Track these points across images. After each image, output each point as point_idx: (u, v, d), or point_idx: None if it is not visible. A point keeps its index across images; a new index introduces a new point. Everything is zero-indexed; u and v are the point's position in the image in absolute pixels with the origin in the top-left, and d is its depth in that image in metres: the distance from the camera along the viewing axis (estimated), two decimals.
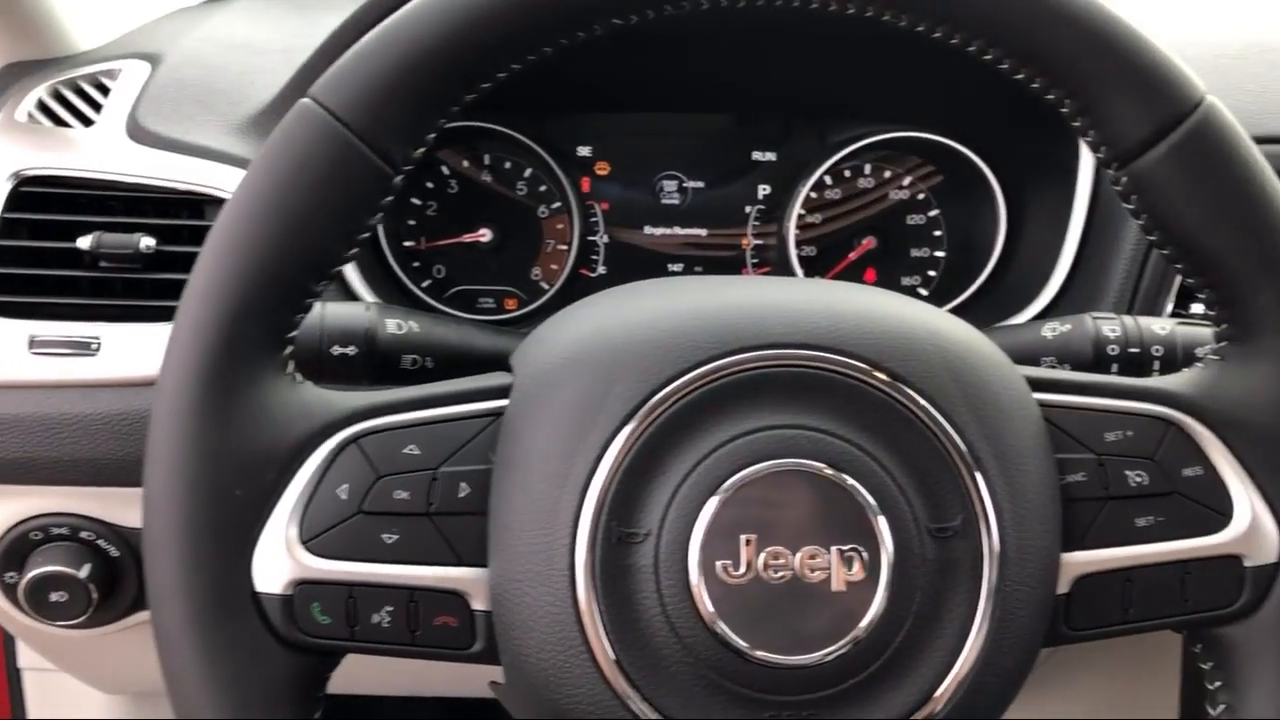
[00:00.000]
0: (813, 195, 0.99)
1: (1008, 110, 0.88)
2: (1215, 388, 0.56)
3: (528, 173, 0.98)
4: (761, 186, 1.01)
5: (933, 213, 1.00)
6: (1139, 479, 0.55)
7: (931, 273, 1.00)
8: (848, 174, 1.00)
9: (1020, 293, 0.89)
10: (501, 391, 0.54)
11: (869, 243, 1.00)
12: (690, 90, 0.99)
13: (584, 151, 1.00)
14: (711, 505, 0.50)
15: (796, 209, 0.98)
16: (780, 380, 0.52)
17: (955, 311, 0.97)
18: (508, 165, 0.98)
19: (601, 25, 0.53)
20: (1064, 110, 0.55)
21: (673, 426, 0.51)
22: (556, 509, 0.50)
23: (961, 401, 0.53)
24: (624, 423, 0.51)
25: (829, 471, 0.51)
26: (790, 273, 0.98)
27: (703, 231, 1.01)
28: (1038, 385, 0.56)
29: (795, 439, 0.51)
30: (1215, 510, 0.55)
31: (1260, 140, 0.77)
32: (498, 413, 0.53)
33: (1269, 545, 0.55)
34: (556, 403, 0.52)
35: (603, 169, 1.00)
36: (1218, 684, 0.57)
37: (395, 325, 0.66)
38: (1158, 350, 0.69)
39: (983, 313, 0.94)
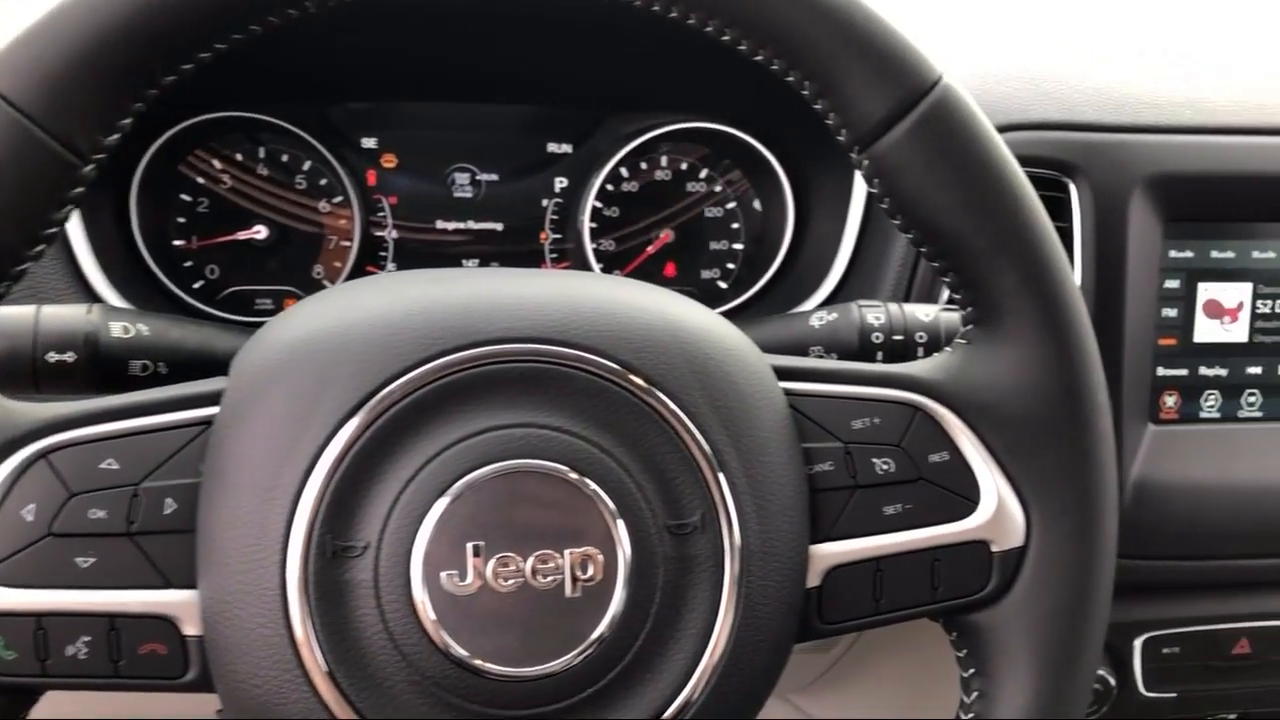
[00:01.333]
0: (609, 188, 0.97)
1: (792, 99, 0.87)
2: (961, 372, 0.56)
3: (307, 165, 0.93)
4: (559, 179, 0.98)
5: (730, 205, 0.99)
6: (886, 466, 0.55)
7: (730, 265, 0.99)
8: (644, 166, 0.98)
9: (808, 282, 0.89)
10: (213, 398, 0.50)
11: (666, 236, 0.98)
12: (483, 80, 0.95)
13: (369, 143, 0.95)
14: (435, 513, 0.47)
15: (590, 202, 0.95)
16: (510, 377, 0.49)
17: (750, 303, 0.97)
18: (285, 158, 0.93)
19: (313, 3, 0.49)
20: (805, 93, 0.54)
21: (392, 430, 0.48)
22: (266, 523, 0.47)
23: (700, 393, 0.51)
24: (338, 427, 0.47)
25: (561, 471, 0.49)
26: (587, 267, 0.96)
27: (498, 226, 0.98)
28: (784, 374, 0.55)
29: (525, 438, 0.49)
30: (962, 496, 0.55)
31: (1021, 127, 0.80)
32: (208, 421, 0.49)
33: (1014, 530, 0.55)
34: (267, 408, 0.48)
35: (390, 161, 0.96)
36: (971, 671, 0.57)
37: (121, 328, 0.61)
38: (921, 337, 0.69)
39: (775, 303, 0.93)
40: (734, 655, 0.50)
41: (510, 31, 0.88)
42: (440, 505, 0.47)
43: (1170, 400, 0.83)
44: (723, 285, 0.99)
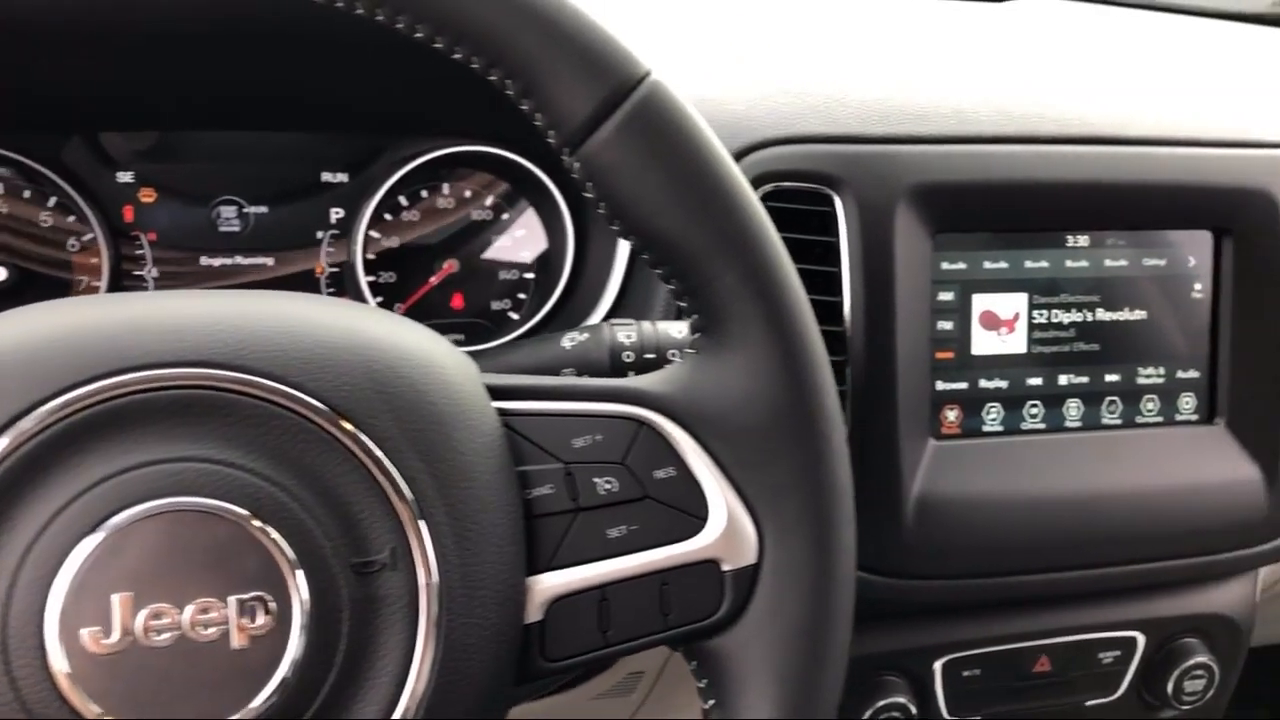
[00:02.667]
0: (387, 217, 0.93)
1: None
2: (687, 383, 0.53)
3: (52, 201, 0.87)
4: (334, 210, 0.93)
5: (519, 233, 0.96)
6: (609, 486, 0.51)
7: (521, 295, 0.96)
8: (425, 195, 0.94)
9: (589, 305, 0.86)
10: None
11: (450, 266, 0.94)
12: (248, 106, 0.91)
13: (125, 177, 0.89)
14: (74, 560, 0.42)
15: (361, 232, 0.91)
16: (159, 406, 0.44)
17: (536, 330, 0.93)
18: (27, 194, 0.86)
19: None
20: (509, 93, 0.50)
21: (22, 473, 0.42)
22: None
23: (389, 416, 0.47)
24: None
25: (224, 509, 0.44)
26: (361, 300, 0.91)
27: (269, 260, 0.92)
28: (499, 393, 0.51)
29: (181, 474, 0.44)
30: (690, 513, 0.52)
31: (785, 141, 0.78)
32: None
33: (746, 547, 0.52)
34: None
35: (149, 195, 0.90)
36: (711, 703, 0.53)
37: None
38: (674, 355, 0.66)
39: (560, 328, 0.90)
40: (437, 700, 0.46)
41: (264, 52, 0.84)
42: (80, 552, 0.42)
43: (951, 414, 0.82)
44: (514, 316, 0.95)
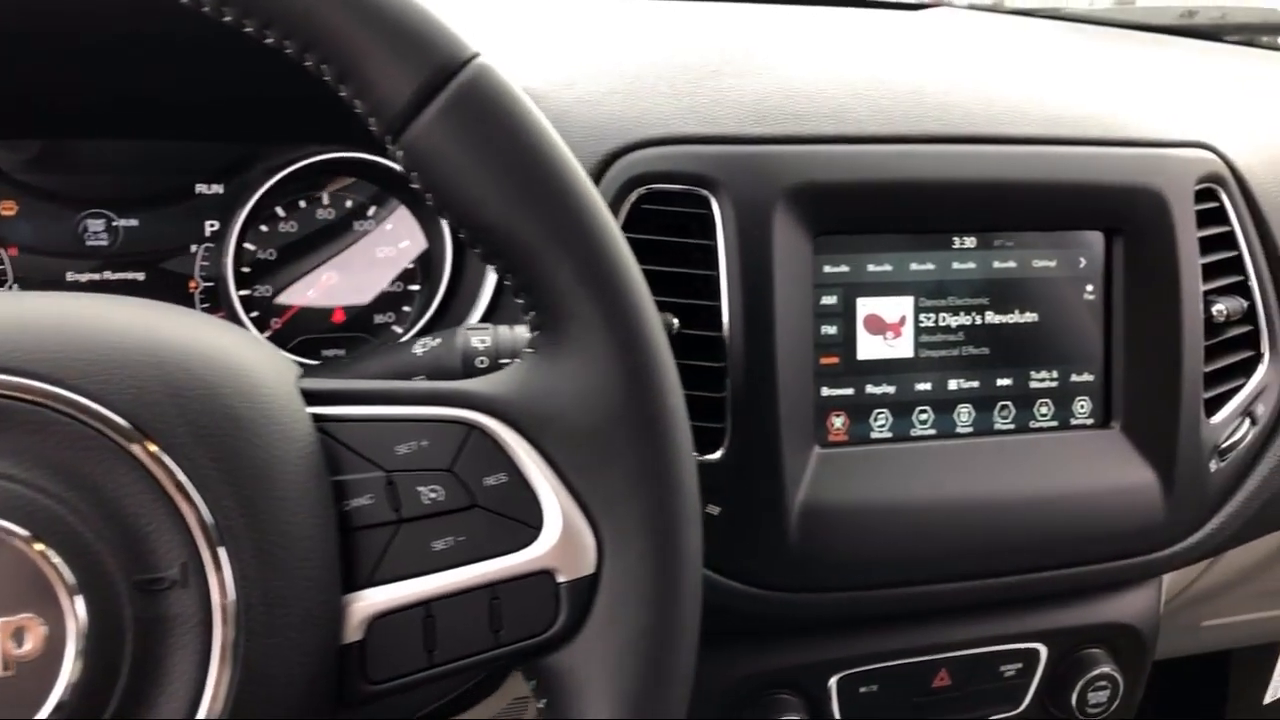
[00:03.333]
0: (264, 229, 0.89)
1: None
2: (522, 384, 0.50)
3: None
4: (209, 223, 0.90)
5: (403, 243, 0.93)
6: (434, 495, 0.48)
7: (406, 308, 0.92)
8: (303, 204, 0.91)
9: (468, 313, 0.83)
10: None
11: (328, 279, 0.91)
12: (117, 114, 0.87)
13: None
14: None
15: (232, 243, 0.87)
16: None
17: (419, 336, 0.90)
18: None
19: None
20: (326, 79, 0.47)
21: None
22: None
23: (180, 421, 0.43)
24: None
25: None
26: (235, 317, 0.88)
27: (139, 275, 0.88)
28: (317, 398, 0.48)
29: None
30: (523, 522, 0.49)
31: (661, 142, 0.76)
32: None
33: (584, 556, 0.49)
34: None
35: (9, 209, 0.86)
36: None
37: None
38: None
39: None
40: None
41: (127, 57, 0.80)
42: None
43: (838, 421, 0.79)
44: (398, 329, 0.92)
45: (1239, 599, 1.10)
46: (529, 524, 0.49)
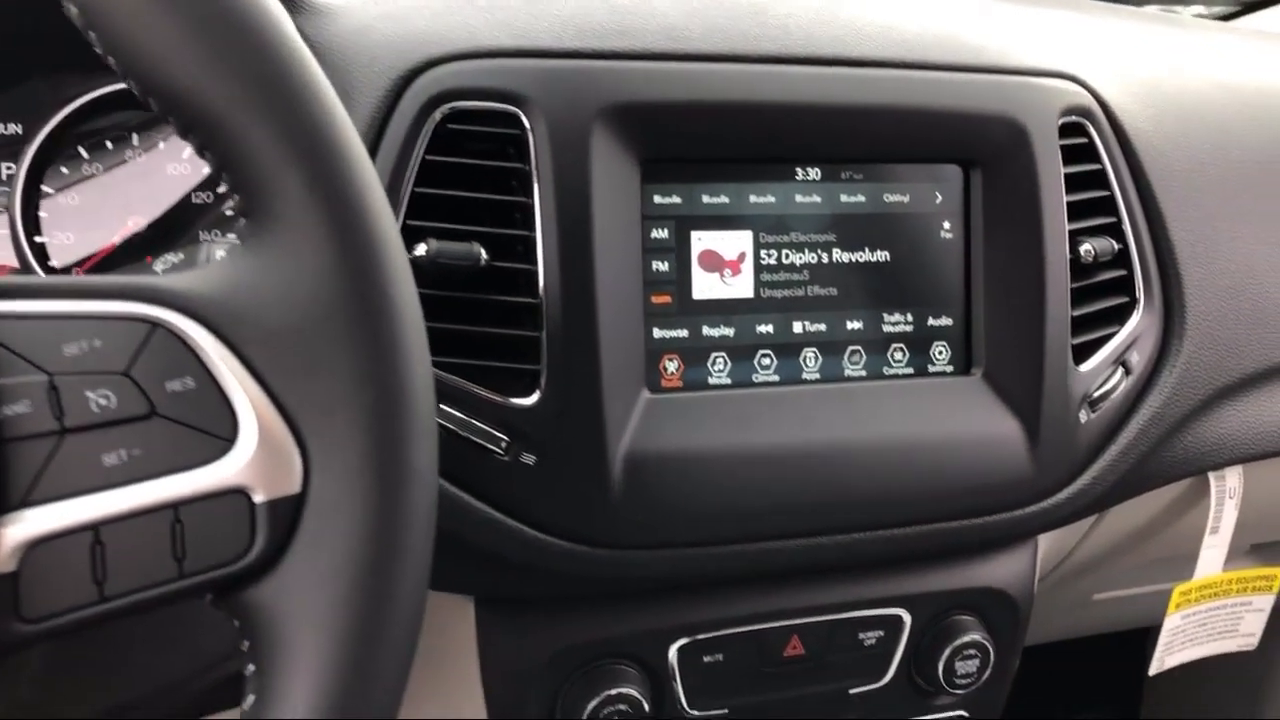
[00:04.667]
0: (64, 171, 0.82)
1: None
2: (221, 278, 0.44)
3: None
4: (5, 166, 0.82)
5: (221, 189, 0.85)
6: (105, 401, 0.41)
7: (220, 254, 0.85)
8: (110, 145, 0.83)
9: None
10: None
11: (136, 223, 0.83)
12: None
13: None
14: None
15: (19, 187, 0.80)
16: None
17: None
18: None
19: None
20: None
21: None
22: None
23: None
24: None
25: None
26: (26, 265, 0.80)
27: None
28: None
29: None
30: (212, 433, 0.42)
31: (469, 55, 0.70)
32: None
33: (287, 473, 0.42)
34: None
35: None
36: (251, 668, 0.43)
37: None
38: None
39: None
40: None
41: None
42: None
43: (671, 366, 0.73)
44: None
45: (1129, 570, 1.05)
46: (220, 436, 0.42)
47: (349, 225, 0.43)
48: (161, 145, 0.84)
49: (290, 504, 0.42)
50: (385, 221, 0.44)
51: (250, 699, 0.42)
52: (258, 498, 0.42)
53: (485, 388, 0.67)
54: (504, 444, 0.67)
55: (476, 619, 0.75)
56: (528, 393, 0.68)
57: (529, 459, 0.68)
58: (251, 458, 0.42)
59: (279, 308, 0.43)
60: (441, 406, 0.67)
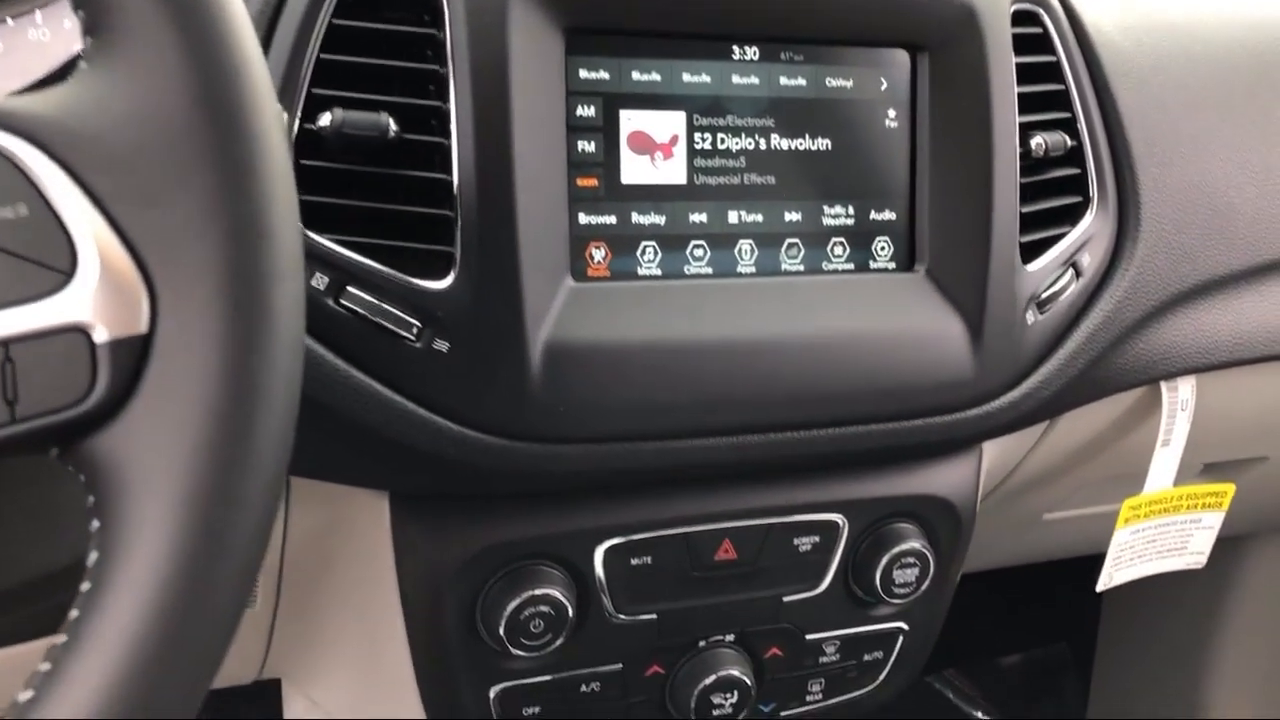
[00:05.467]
0: None
1: None
2: (61, 98, 0.40)
3: None
4: None
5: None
6: None
7: None
8: (10, 21, 0.78)
9: None
10: None
11: None
12: None
13: None
14: None
15: None
16: None
17: None
18: None
19: None
20: None
21: None
22: None
23: None
24: None
25: None
26: None
27: None
28: None
29: None
30: (46, 265, 0.38)
31: None
32: None
33: (132, 310, 0.39)
34: None
35: None
36: (95, 524, 0.39)
37: None
38: None
39: None
40: None
41: None
42: None
43: (598, 253, 0.69)
44: None
45: (1079, 489, 1.03)
46: (56, 268, 0.38)
47: (201, 40, 0.39)
48: (65, 24, 0.79)
49: (135, 345, 0.39)
50: (243, 37, 0.40)
51: (94, 555, 0.39)
52: (99, 337, 0.38)
53: (396, 269, 0.63)
54: (416, 330, 0.64)
55: (391, 518, 0.71)
56: (441, 276, 0.64)
57: (442, 346, 0.64)
58: (92, 293, 0.38)
59: (123, 130, 0.39)
60: (350, 289, 0.63)
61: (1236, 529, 1.27)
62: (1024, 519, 1.07)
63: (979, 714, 1.90)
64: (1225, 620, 1.67)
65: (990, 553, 1.17)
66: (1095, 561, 1.88)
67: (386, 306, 0.63)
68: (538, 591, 0.71)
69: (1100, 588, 0.95)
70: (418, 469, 0.67)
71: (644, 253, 0.71)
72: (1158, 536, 0.94)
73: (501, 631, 0.71)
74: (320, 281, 0.63)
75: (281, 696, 1.03)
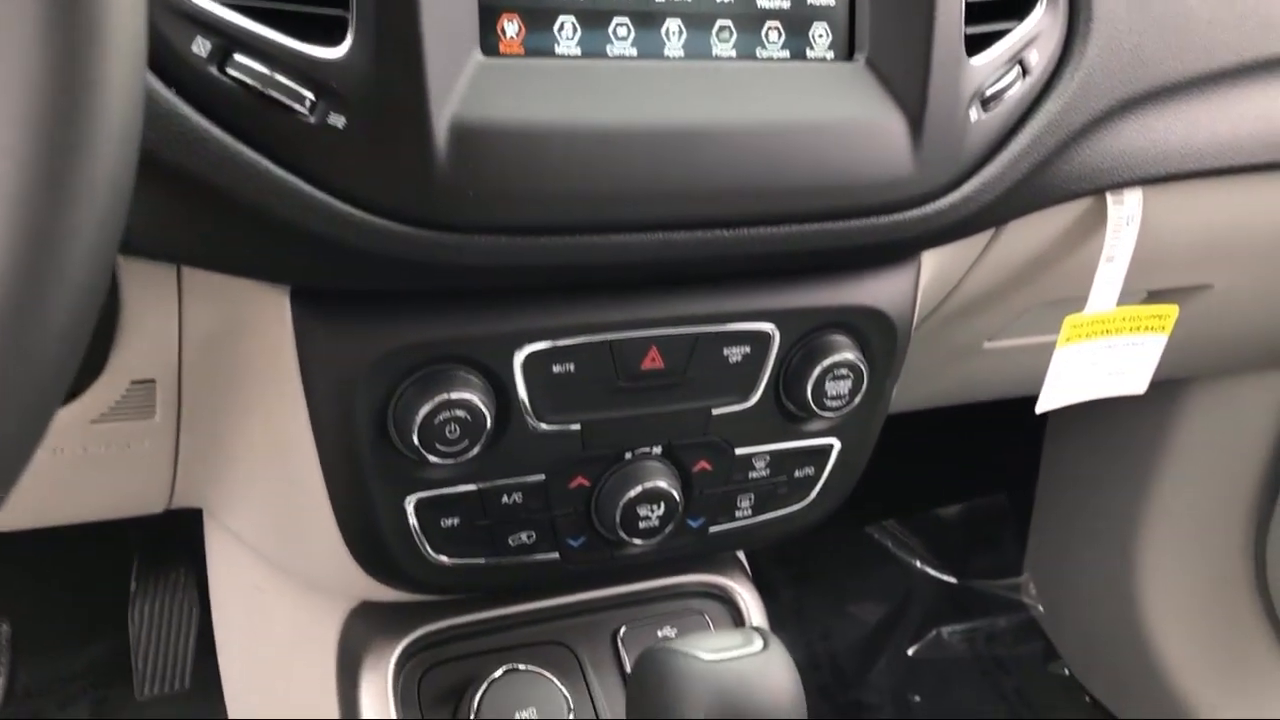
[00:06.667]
0: None
1: None
2: None
3: None
4: None
5: None
6: None
7: None
8: None
9: None
10: None
11: None
12: None
13: None
14: None
15: None
16: None
17: None
18: None
19: None
20: None
21: None
22: None
23: None
24: None
25: None
26: None
27: None
28: None
29: None
30: None
31: None
32: None
33: None
34: None
35: None
36: None
37: None
38: None
39: None
40: None
41: None
42: None
43: (511, 28, 0.64)
44: None
45: (1020, 314, 1.01)
46: None
47: None
48: None
49: None
50: None
51: None
52: None
53: (286, 35, 0.58)
54: (309, 103, 0.58)
55: (294, 317, 0.67)
56: (334, 42, 0.58)
57: (338, 121, 0.59)
58: None
59: None
60: (236, 58, 0.57)
61: (1175, 370, 1.27)
62: (964, 346, 1.05)
63: (917, 563, 1.93)
64: (1161, 469, 1.68)
65: (931, 385, 1.15)
66: (1034, 410, 1.88)
67: (277, 76, 0.58)
68: (453, 396, 0.68)
69: (1040, 409, 0.93)
70: (316, 258, 0.63)
71: (562, 29, 0.65)
72: (1099, 359, 0.92)
73: (415, 438, 0.68)
74: (202, 48, 0.57)
75: (204, 536, 1.00)
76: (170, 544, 1.27)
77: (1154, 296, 1.04)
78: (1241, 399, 1.58)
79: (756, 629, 0.64)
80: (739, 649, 0.62)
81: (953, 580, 1.90)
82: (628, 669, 0.86)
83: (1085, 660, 1.84)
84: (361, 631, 0.83)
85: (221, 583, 0.99)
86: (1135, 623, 1.72)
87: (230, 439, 0.78)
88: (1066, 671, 1.83)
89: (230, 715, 0.99)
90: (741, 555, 0.97)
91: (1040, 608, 1.88)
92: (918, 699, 1.74)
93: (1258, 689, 1.69)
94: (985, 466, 1.94)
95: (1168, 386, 1.59)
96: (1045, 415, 1.84)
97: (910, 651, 1.81)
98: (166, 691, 1.32)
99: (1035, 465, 1.84)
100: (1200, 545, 1.69)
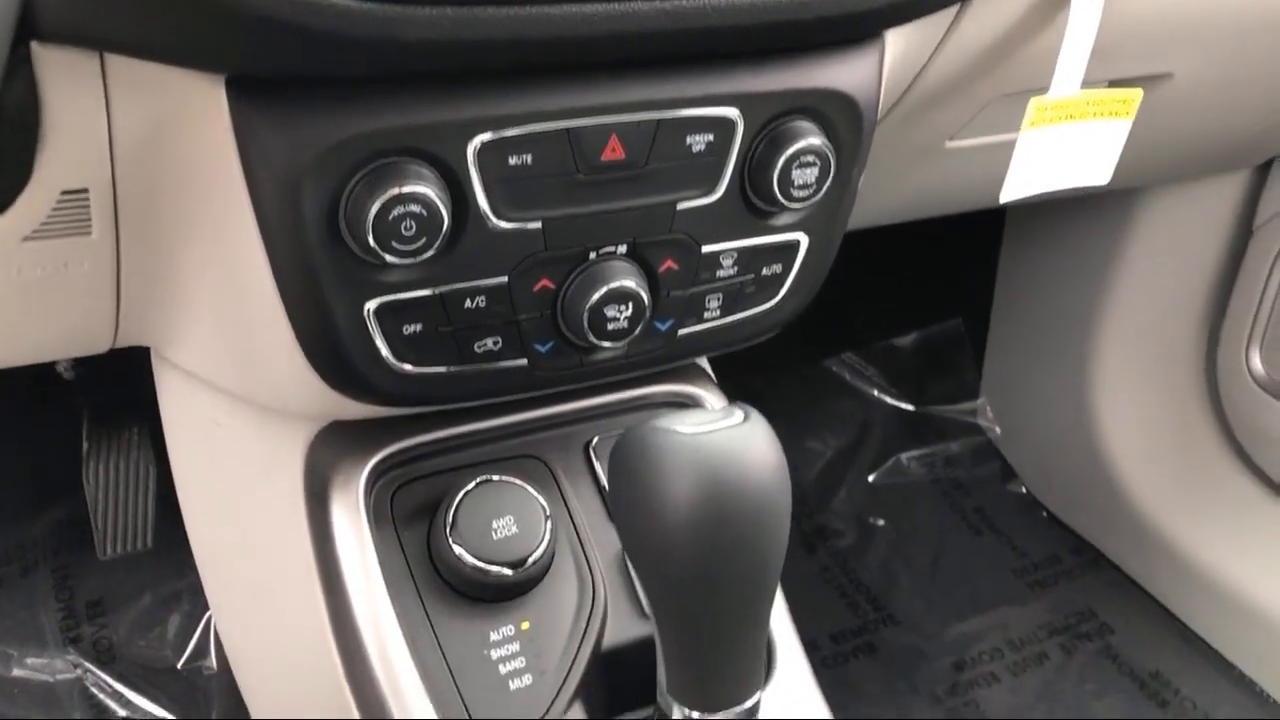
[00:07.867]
0: None
1: None
2: None
3: None
4: None
5: None
6: None
7: None
8: None
9: None
10: None
11: None
12: None
13: None
14: None
15: None
16: None
17: None
18: None
19: None
20: None
21: None
22: None
23: None
24: None
25: None
26: None
27: None
28: None
29: None
30: None
31: None
32: None
33: None
34: None
35: None
36: None
37: None
38: None
39: None
40: None
41: None
42: None
43: None
44: None
45: (983, 108, 0.99)
46: None
47: None
48: None
49: None
50: None
51: None
52: None
53: None
54: None
55: (230, 109, 0.63)
56: None
57: None
58: None
59: None
60: None
61: (1131, 176, 1.26)
62: (927, 144, 1.03)
63: (875, 392, 1.94)
64: (1115, 285, 1.69)
65: (893, 193, 1.14)
66: (989, 236, 1.88)
67: None
68: (405, 189, 0.64)
69: (1002, 198, 0.91)
70: (248, 38, 0.58)
71: None
72: (1063, 146, 0.91)
73: (369, 236, 0.65)
74: None
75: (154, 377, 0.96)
76: (118, 398, 1.23)
77: (1116, 86, 1.02)
78: (1194, 209, 1.59)
79: (737, 404, 0.63)
80: (720, 421, 0.61)
81: (910, 407, 1.92)
82: (602, 480, 0.85)
83: (1042, 478, 1.87)
84: (328, 454, 0.81)
85: (176, 425, 0.96)
86: (1090, 438, 1.75)
87: (176, 257, 0.75)
88: (1024, 490, 1.87)
89: (197, 557, 0.98)
90: (707, 365, 0.96)
91: (997, 429, 1.91)
92: (880, 522, 1.77)
93: (1211, 499, 1.73)
94: (940, 294, 1.95)
95: (1121, 198, 1.58)
96: (999, 238, 1.85)
97: (871, 478, 1.83)
98: (129, 550, 1.31)
99: (990, 289, 1.84)
100: (1153, 359, 1.72)
